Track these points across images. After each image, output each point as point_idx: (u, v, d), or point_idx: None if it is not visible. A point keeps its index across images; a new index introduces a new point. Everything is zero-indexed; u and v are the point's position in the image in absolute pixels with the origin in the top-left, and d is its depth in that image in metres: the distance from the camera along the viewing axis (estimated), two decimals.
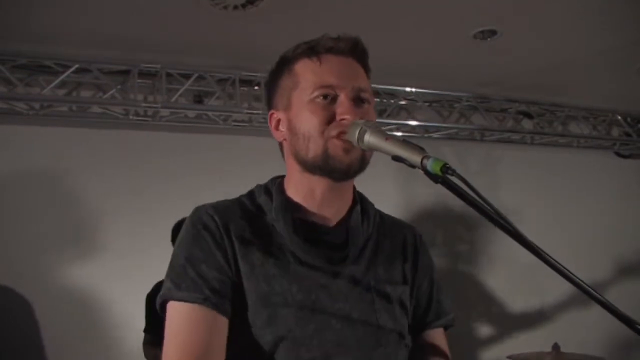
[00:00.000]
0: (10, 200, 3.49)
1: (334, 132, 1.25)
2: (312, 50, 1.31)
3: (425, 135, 4.43)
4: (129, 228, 3.61)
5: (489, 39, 3.59)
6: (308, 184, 1.32)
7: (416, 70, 4.08)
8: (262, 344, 1.21)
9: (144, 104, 3.67)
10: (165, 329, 1.22)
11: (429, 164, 1.07)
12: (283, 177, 1.39)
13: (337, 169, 1.27)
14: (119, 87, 3.67)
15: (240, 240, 1.26)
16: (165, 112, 3.76)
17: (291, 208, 1.31)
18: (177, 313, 1.21)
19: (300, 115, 1.28)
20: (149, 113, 3.74)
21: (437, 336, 1.44)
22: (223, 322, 1.21)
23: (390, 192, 4.15)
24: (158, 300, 1.26)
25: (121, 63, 3.66)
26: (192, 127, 3.95)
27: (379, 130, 1.21)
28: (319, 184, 1.31)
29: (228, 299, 1.22)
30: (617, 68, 4.14)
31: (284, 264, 1.26)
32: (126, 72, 3.70)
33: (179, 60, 3.73)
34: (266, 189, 1.37)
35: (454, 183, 1.07)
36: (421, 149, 1.11)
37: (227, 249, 1.25)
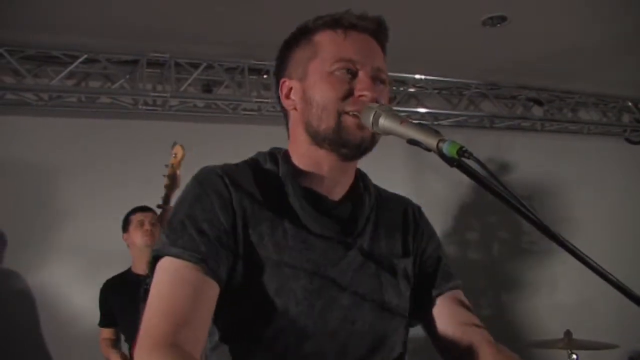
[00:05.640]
0: (19, 190, 3.50)
1: (349, 108, 1.23)
2: (335, 22, 1.29)
3: (435, 122, 4.42)
4: None
5: (498, 25, 3.57)
6: (315, 157, 1.29)
7: (425, 58, 4.06)
8: (270, 314, 1.17)
9: (152, 94, 3.68)
10: (152, 287, 1.13)
11: (445, 147, 1.04)
12: (284, 149, 1.36)
13: (350, 143, 1.24)
14: (127, 77, 3.68)
15: (251, 203, 1.22)
16: (174, 101, 3.76)
17: (298, 176, 1.29)
18: (167, 270, 1.13)
19: (317, 86, 1.26)
20: (158, 103, 3.74)
21: (455, 298, 1.37)
22: (214, 289, 1.13)
23: (401, 180, 4.13)
24: (149, 258, 1.17)
25: (129, 53, 3.66)
26: (202, 116, 3.95)
27: (393, 114, 1.19)
28: (326, 158, 1.29)
29: (225, 266, 1.16)
30: (628, 54, 4.11)
31: (295, 233, 1.23)
32: (135, 62, 3.70)
33: (188, 49, 3.73)
34: (271, 156, 1.34)
35: (470, 166, 1.04)
36: (437, 132, 1.09)
37: (235, 213, 1.20)
